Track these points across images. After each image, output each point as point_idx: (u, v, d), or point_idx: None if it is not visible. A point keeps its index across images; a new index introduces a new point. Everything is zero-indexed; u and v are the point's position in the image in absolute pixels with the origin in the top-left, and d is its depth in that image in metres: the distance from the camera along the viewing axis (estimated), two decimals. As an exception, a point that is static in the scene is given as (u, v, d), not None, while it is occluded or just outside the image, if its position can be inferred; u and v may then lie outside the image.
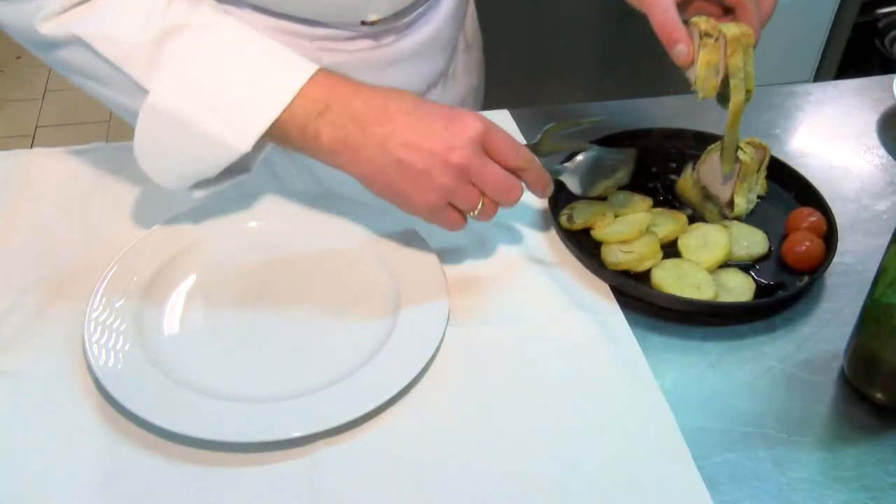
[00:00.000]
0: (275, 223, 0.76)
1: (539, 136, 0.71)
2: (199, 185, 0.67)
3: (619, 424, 0.60)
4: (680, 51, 0.68)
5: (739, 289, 0.70)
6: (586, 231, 0.76)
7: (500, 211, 0.78)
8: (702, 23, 0.68)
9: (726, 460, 0.58)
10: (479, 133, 0.62)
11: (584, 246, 0.74)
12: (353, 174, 0.63)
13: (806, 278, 0.71)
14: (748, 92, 0.70)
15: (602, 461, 0.57)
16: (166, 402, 0.59)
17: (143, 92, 0.62)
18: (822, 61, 2.12)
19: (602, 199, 0.79)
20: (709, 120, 0.94)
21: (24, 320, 0.66)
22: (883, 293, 0.58)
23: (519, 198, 0.65)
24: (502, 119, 0.92)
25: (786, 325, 0.68)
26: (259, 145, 0.64)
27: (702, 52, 0.68)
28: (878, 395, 0.61)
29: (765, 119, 0.94)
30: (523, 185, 0.66)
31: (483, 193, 0.64)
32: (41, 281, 0.70)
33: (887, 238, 0.59)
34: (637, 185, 0.81)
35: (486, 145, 0.62)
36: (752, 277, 0.71)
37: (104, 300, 0.66)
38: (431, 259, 0.71)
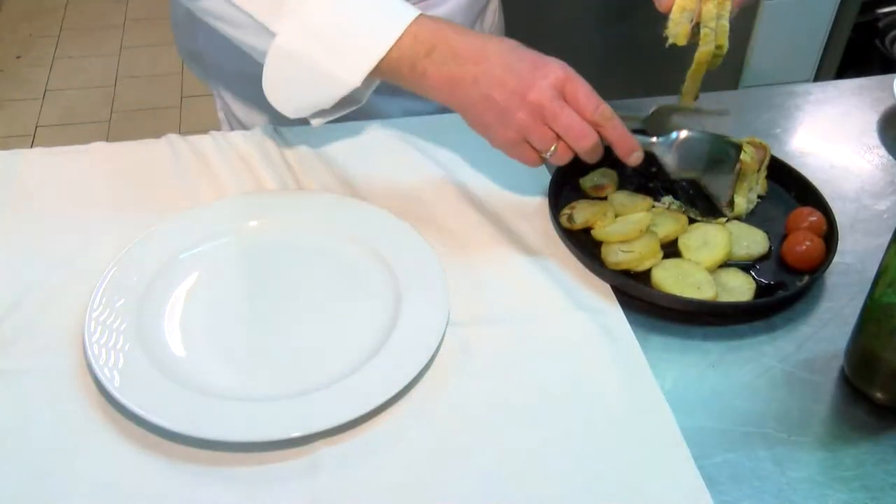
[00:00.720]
0: (275, 223, 0.76)
1: (651, 110, 0.71)
2: (315, 114, 0.76)
3: (620, 424, 0.60)
4: None
5: (739, 289, 0.70)
6: (586, 231, 0.76)
7: (501, 210, 0.78)
8: None
9: (726, 460, 0.58)
10: (560, 79, 0.67)
11: (584, 246, 0.74)
12: (453, 107, 0.71)
13: (806, 278, 0.71)
14: (719, 48, 0.69)
15: (602, 461, 0.57)
16: (166, 401, 0.59)
17: (270, 35, 0.70)
18: (822, 61, 2.12)
19: (602, 198, 0.79)
20: (709, 120, 0.94)
21: (24, 320, 0.66)
22: (883, 293, 0.58)
23: (592, 147, 0.69)
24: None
25: (786, 324, 0.68)
26: (368, 81, 0.72)
27: None
28: (878, 395, 0.61)
29: (765, 119, 0.94)
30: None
31: (558, 136, 0.68)
32: (41, 281, 0.70)
33: (887, 238, 0.59)
34: (637, 185, 0.81)
35: (566, 93, 0.68)
36: (753, 277, 0.71)
37: (104, 300, 0.66)
38: (431, 259, 0.71)
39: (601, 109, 0.68)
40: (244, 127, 0.98)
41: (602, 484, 0.56)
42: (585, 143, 0.68)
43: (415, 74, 0.69)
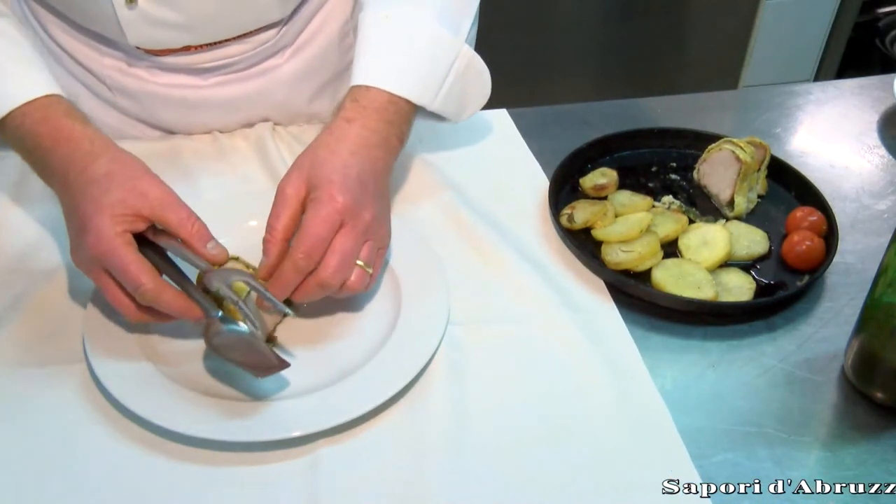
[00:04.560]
0: (275, 223, 0.76)
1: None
2: None
3: (617, 424, 0.60)
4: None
5: (739, 288, 0.69)
6: (586, 231, 0.76)
7: (501, 210, 0.78)
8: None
9: (726, 460, 0.58)
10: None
11: (584, 246, 0.74)
12: None
13: (806, 278, 0.71)
14: None
15: (601, 461, 0.57)
16: (166, 401, 0.58)
17: None
18: (822, 61, 2.12)
19: (602, 198, 0.79)
20: (709, 120, 0.94)
21: (23, 320, 0.66)
22: (883, 292, 0.58)
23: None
24: (500, 119, 0.92)
25: (786, 324, 0.68)
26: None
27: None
28: (879, 395, 0.61)
29: (765, 119, 0.94)
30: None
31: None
32: (41, 280, 0.70)
33: (887, 237, 0.59)
34: (637, 185, 0.81)
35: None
36: (753, 277, 0.71)
37: (103, 300, 0.66)
38: (432, 259, 0.71)
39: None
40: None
41: (600, 483, 0.56)
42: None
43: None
